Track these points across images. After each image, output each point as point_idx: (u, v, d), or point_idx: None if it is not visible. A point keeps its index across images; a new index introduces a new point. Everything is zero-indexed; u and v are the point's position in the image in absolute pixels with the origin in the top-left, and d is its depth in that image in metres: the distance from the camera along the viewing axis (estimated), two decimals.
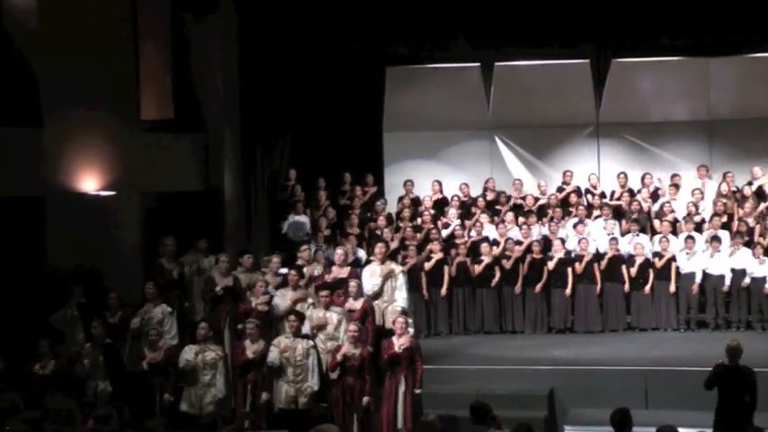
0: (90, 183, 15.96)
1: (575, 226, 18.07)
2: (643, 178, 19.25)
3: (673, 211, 18.33)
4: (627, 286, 17.39)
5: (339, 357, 13.05)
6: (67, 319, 14.44)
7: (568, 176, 19.61)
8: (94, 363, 13.25)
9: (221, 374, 13.23)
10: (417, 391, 13.13)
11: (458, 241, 17.87)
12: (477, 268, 17.58)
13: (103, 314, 14.32)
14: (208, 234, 16.32)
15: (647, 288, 17.33)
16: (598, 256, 17.55)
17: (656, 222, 18.22)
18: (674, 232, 17.92)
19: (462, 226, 18.47)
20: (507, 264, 17.53)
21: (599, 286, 17.40)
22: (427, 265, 17.43)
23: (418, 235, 18.12)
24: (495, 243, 17.85)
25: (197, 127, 17.96)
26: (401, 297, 15.00)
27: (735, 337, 12.64)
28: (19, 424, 10.43)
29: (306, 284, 14.94)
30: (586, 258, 17.42)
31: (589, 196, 19.23)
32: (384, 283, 15.01)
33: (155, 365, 13.22)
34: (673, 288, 17.28)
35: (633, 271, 17.37)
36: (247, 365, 13.27)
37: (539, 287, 17.44)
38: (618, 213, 18.58)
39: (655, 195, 19.00)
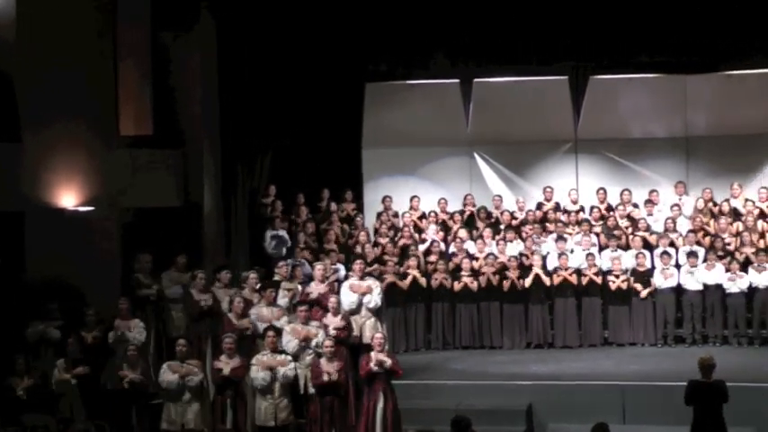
0: (69, 198, 15.94)
1: (555, 242, 18.15)
2: (621, 194, 19.37)
3: (649, 227, 18.45)
4: (602, 302, 17.57)
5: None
6: (43, 334, 14.43)
7: (549, 193, 19.71)
8: (68, 379, 13.22)
9: (201, 391, 13.22)
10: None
11: (435, 257, 17.92)
12: (458, 285, 17.63)
13: (80, 331, 14.30)
14: (187, 250, 16.32)
15: (624, 302, 17.47)
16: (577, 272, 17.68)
17: (633, 238, 18.32)
18: (650, 248, 18.04)
19: (445, 242, 18.55)
20: (483, 279, 17.59)
21: (575, 301, 17.58)
22: (405, 283, 17.46)
23: (395, 248, 18.18)
24: (474, 258, 17.91)
25: (176, 143, 17.94)
26: (375, 299, 15.30)
27: (710, 352, 12.70)
28: None
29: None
30: (564, 273, 17.54)
31: (565, 213, 19.34)
32: (361, 300, 15.17)
33: (134, 383, 13.20)
34: (646, 293, 17.41)
35: (611, 286, 17.51)
36: (225, 381, 13.25)
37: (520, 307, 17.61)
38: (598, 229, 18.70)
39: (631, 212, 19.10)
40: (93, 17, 16.35)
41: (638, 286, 17.45)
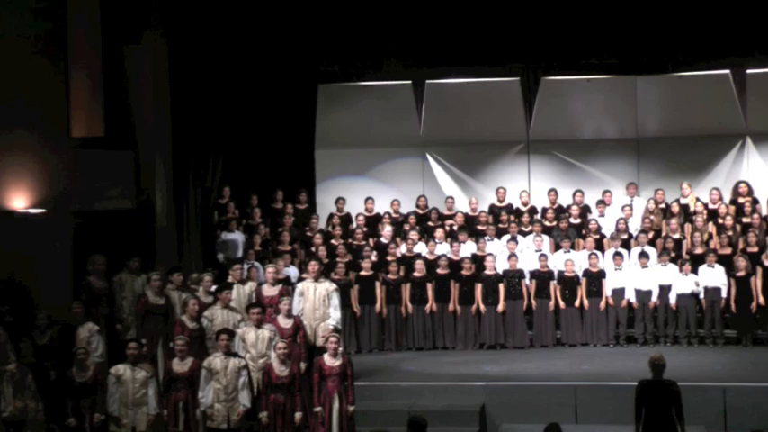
0: (19, 201, 15.80)
1: (507, 243, 18.22)
2: (574, 195, 19.48)
3: (600, 228, 18.57)
4: (555, 303, 17.67)
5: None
6: None
7: (501, 193, 19.81)
8: (20, 382, 13.08)
9: (152, 392, 13.15)
10: (351, 408, 13.16)
11: (389, 258, 17.95)
12: (408, 287, 17.67)
13: (32, 334, 14.18)
14: (139, 252, 16.21)
15: (577, 302, 17.58)
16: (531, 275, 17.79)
17: (585, 239, 18.44)
18: (602, 249, 18.16)
19: (394, 243, 18.56)
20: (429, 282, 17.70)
21: (526, 302, 17.65)
22: (353, 295, 17.48)
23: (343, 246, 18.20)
24: (426, 260, 17.93)
25: (128, 144, 17.81)
26: (335, 316, 15.12)
27: (662, 352, 12.78)
28: None
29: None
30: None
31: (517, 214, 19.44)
32: (315, 303, 15.10)
33: (84, 385, 13.09)
34: (603, 304, 17.54)
35: (562, 287, 17.63)
36: (178, 383, 13.18)
37: (473, 308, 17.64)
38: (548, 230, 18.78)
39: (584, 212, 19.21)
40: (42, 23, 16.22)
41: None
